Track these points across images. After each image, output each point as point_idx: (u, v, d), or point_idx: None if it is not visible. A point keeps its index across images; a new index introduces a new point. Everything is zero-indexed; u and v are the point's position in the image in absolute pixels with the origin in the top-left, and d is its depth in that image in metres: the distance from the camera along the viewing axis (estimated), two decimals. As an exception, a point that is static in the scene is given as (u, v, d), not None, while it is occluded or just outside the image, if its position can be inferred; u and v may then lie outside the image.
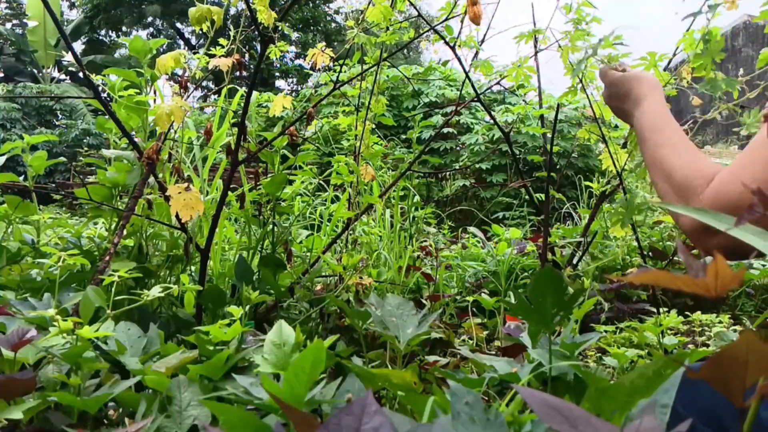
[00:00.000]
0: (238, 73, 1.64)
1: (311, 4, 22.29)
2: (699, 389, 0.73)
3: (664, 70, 1.85)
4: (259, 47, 1.63)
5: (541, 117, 2.70)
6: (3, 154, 1.74)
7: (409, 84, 8.60)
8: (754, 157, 0.78)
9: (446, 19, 1.94)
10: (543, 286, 0.90)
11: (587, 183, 2.56)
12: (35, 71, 20.04)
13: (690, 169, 0.87)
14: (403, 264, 2.45)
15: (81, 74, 1.47)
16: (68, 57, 1.50)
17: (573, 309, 0.93)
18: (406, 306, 1.44)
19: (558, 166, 6.10)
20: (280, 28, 1.60)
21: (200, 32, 1.62)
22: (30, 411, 0.90)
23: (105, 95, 1.61)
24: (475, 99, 2.11)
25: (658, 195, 0.96)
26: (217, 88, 2.04)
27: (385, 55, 2.05)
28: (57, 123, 16.16)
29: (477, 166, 7.70)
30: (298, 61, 23.71)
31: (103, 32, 23.24)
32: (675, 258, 2.40)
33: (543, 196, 2.25)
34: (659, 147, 0.96)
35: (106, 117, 1.64)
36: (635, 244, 2.50)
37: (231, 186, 1.65)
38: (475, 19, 1.70)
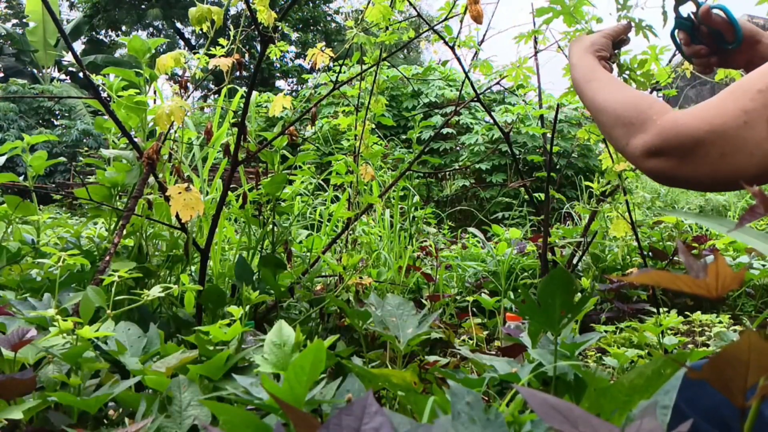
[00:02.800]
0: (238, 73, 1.64)
1: (311, 4, 22.29)
2: (703, 388, 0.73)
3: (666, 65, 1.85)
4: (259, 47, 1.63)
5: (541, 117, 2.71)
6: (3, 154, 1.74)
7: (409, 84, 8.60)
8: (732, 100, 0.76)
9: (446, 19, 1.94)
10: (553, 287, 0.89)
11: (587, 183, 2.56)
12: (35, 71, 20.04)
13: (640, 100, 0.87)
14: (403, 264, 2.45)
15: (81, 74, 1.46)
16: (68, 57, 1.50)
17: (581, 311, 0.93)
18: (406, 306, 1.44)
19: (558, 166, 6.10)
20: (280, 27, 1.60)
21: (200, 32, 1.62)
22: (30, 411, 0.90)
23: (105, 95, 1.61)
24: (475, 99, 2.11)
25: (603, 131, 0.95)
26: (217, 88, 2.04)
27: (384, 55, 2.05)
28: (56, 123, 16.16)
29: (477, 166, 7.70)
30: (298, 61, 23.72)
31: (103, 32, 23.25)
32: (675, 258, 2.40)
33: (543, 196, 2.25)
34: (599, 89, 0.97)
35: (105, 117, 1.64)
36: (635, 244, 2.50)
37: (231, 186, 1.65)
38: (477, 18, 1.69)
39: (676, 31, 1.12)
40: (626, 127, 0.86)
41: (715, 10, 1.05)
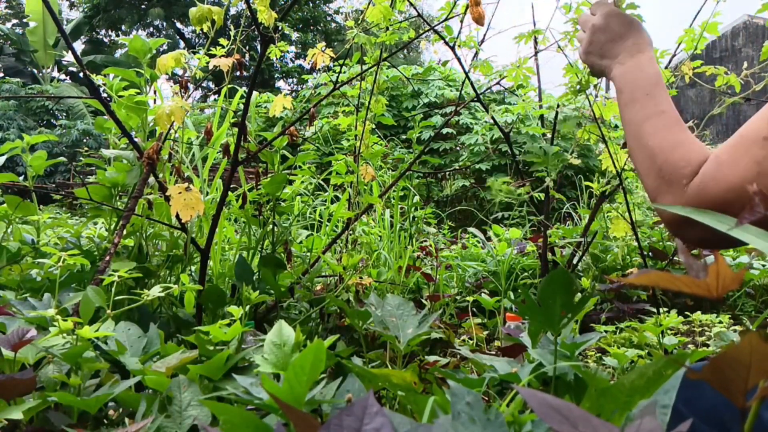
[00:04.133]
0: (238, 73, 1.64)
1: (311, 4, 22.29)
2: (701, 389, 0.73)
3: (665, 67, 1.85)
4: (259, 47, 1.63)
5: (541, 117, 2.71)
6: (3, 154, 1.74)
7: (409, 84, 8.60)
8: (741, 153, 0.76)
9: (446, 19, 1.94)
10: (553, 287, 0.89)
11: (587, 183, 2.56)
12: (35, 71, 20.04)
13: (676, 154, 0.84)
14: (403, 264, 2.45)
15: (81, 74, 1.46)
16: (68, 57, 1.50)
17: (581, 311, 0.93)
18: (406, 306, 1.44)
19: (558, 166, 6.09)
20: (280, 28, 1.60)
21: (201, 32, 1.62)
22: (30, 411, 0.90)
23: (105, 95, 1.61)
24: (475, 99, 2.11)
25: (635, 165, 0.92)
26: (217, 88, 2.04)
27: (384, 55, 2.05)
28: (56, 123, 16.16)
29: (477, 166, 7.71)
30: (298, 61, 23.73)
31: (103, 32, 23.25)
32: (675, 258, 2.40)
33: (543, 195, 2.25)
34: (652, 117, 0.90)
35: (106, 117, 1.64)
36: (635, 244, 2.50)
37: (231, 186, 1.65)
38: (479, 20, 1.69)
39: None
40: (657, 180, 0.85)
41: None
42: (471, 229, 3.33)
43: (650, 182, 0.86)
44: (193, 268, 1.86)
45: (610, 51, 1.02)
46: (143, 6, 22.37)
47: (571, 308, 0.91)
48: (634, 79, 0.95)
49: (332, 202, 2.71)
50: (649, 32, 1.02)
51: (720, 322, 2.04)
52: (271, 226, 1.90)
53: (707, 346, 1.94)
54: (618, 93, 0.98)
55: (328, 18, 23.23)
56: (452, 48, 2.02)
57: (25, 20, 20.84)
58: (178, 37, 24.55)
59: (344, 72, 2.55)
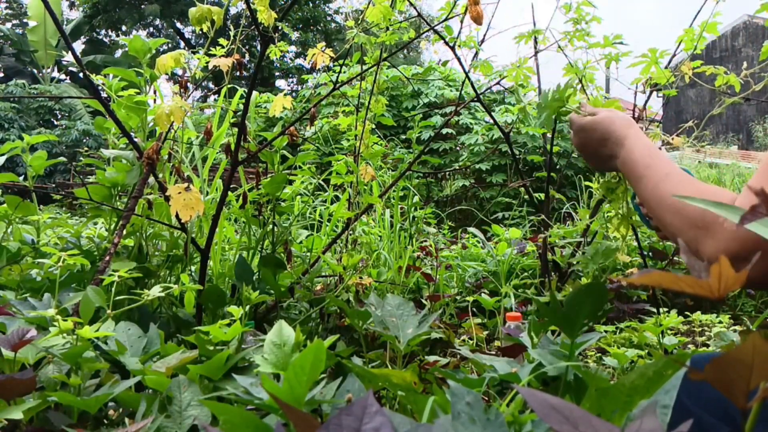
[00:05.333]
0: (238, 73, 1.64)
1: (311, 4, 22.29)
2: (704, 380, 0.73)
3: (665, 67, 1.85)
4: (259, 47, 1.63)
5: (541, 117, 2.70)
6: (3, 154, 1.74)
7: (409, 84, 8.60)
8: None
9: (446, 19, 1.94)
10: (585, 296, 0.90)
11: (587, 183, 2.56)
12: (35, 71, 20.03)
13: (708, 197, 0.83)
14: (403, 264, 2.45)
15: (81, 74, 1.46)
16: (68, 57, 1.50)
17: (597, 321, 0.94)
18: (406, 306, 1.44)
19: (558, 166, 6.10)
20: (280, 27, 1.60)
21: (200, 32, 1.62)
22: (30, 411, 0.90)
23: (105, 95, 1.61)
24: (475, 99, 2.11)
25: (667, 232, 0.91)
26: (217, 88, 2.04)
27: (384, 55, 2.05)
28: (56, 123, 16.16)
29: (477, 166, 7.71)
30: (298, 61, 23.75)
31: (103, 32, 23.26)
32: (675, 258, 2.40)
33: (543, 195, 2.25)
34: (660, 182, 0.92)
35: (106, 117, 1.64)
36: (635, 244, 2.50)
37: (231, 186, 1.64)
38: (478, 19, 1.69)
39: (640, 207, 1.13)
40: (692, 231, 0.83)
41: None
42: (471, 229, 3.33)
43: (686, 236, 0.85)
44: (193, 268, 1.86)
45: (602, 156, 1.09)
46: (143, 6, 22.37)
47: (594, 319, 0.91)
48: (632, 162, 1.01)
49: (332, 202, 2.71)
50: (622, 112, 1.08)
51: (720, 322, 2.04)
52: (271, 226, 1.90)
53: (707, 346, 1.94)
54: (628, 181, 1.04)
55: (328, 18, 23.24)
56: (452, 48, 2.02)
57: (25, 20, 20.85)
58: (178, 37, 24.54)
59: (344, 72, 2.55)
